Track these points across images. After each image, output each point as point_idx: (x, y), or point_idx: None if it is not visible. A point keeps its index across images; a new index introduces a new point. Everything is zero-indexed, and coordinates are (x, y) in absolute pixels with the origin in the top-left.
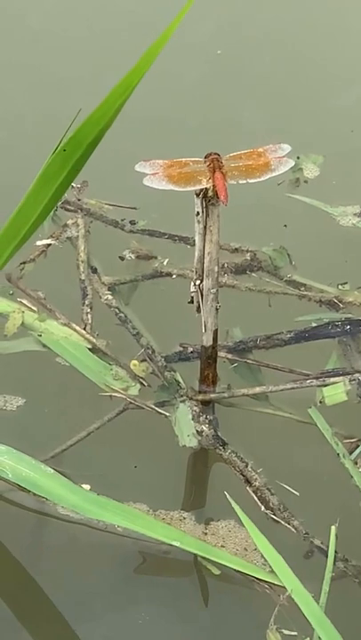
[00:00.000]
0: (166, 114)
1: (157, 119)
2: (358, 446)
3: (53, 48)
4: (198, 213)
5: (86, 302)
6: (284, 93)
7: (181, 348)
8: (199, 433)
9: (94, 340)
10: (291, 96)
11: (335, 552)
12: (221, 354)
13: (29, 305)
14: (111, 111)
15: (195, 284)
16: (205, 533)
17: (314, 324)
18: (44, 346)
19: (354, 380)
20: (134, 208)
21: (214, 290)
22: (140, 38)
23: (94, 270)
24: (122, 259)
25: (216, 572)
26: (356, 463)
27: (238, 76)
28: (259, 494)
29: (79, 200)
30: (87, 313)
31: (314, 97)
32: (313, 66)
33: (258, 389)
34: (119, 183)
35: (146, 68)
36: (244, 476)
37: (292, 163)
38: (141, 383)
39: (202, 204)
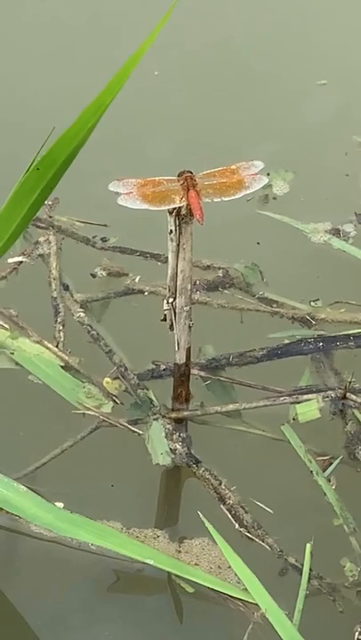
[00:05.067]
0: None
1: (128, 136)
2: (331, 463)
3: (26, 64)
4: (171, 232)
5: (58, 320)
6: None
7: (154, 366)
8: (172, 451)
9: (67, 358)
10: (254, 113)
11: (310, 570)
12: (194, 371)
13: (1, 322)
14: (84, 129)
15: (167, 302)
16: (179, 551)
17: (286, 341)
18: (17, 364)
19: (327, 397)
20: (105, 225)
21: (187, 307)
22: (113, 55)
23: (66, 287)
24: (93, 276)
25: (190, 589)
26: (329, 480)
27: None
28: (233, 512)
29: (51, 217)
30: (59, 330)
31: (279, 113)
32: (276, 81)
33: (231, 407)
34: (90, 200)
35: (119, 86)
36: (217, 493)
37: (265, 180)
38: (114, 401)
39: (175, 222)
